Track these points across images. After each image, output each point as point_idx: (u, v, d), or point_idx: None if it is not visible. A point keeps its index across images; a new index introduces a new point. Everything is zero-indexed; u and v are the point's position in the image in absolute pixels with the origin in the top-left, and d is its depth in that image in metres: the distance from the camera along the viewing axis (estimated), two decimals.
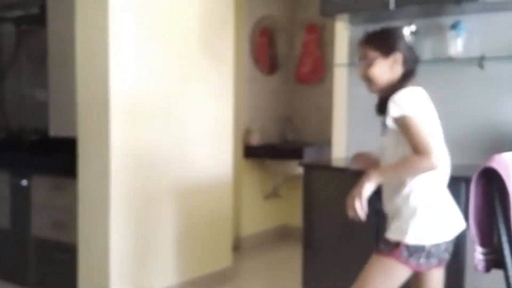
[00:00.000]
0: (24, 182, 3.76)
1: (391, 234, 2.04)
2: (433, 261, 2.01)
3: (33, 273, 3.75)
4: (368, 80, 2.13)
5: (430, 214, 2.00)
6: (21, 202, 3.78)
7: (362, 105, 3.30)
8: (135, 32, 3.24)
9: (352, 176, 2.23)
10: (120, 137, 3.19)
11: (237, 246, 4.65)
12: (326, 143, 4.05)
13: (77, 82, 3.27)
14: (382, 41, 2.11)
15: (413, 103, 1.96)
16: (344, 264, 2.15)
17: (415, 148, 1.91)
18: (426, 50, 3.16)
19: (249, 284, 3.95)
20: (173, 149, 3.54)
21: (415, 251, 1.97)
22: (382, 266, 2.01)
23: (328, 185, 2.04)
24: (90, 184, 3.25)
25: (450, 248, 2.06)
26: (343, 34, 3.52)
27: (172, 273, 3.57)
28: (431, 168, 1.91)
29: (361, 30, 3.17)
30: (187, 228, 3.66)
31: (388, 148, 2.09)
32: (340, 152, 3.52)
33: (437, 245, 2.00)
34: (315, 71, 5.22)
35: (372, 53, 2.10)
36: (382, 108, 2.07)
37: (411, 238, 1.97)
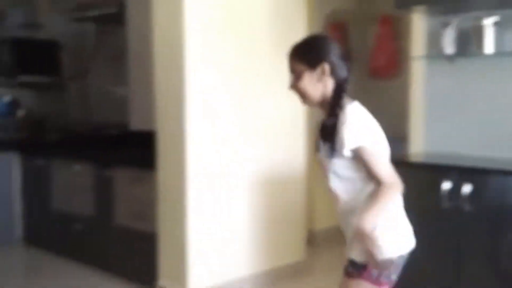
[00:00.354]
0: (107, 174, 3.93)
1: (358, 257, 1.96)
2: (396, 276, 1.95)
3: (115, 259, 3.91)
4: (300, 94, 2.00)
5: (389, 228, 1.92)
6: (104, 192, 3.95)
7: (441, 98, 3.24)
8: (209, 29, 3.32)
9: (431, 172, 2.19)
10: (196, 131, 3.28)
11: (311, 240, 4.65)
12: (399, 138, 3.98)
13: (155, 78, 3.39)
14: (308, 53, 1.96)
15: (365, 130, 1.89)
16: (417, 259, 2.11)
17: (378, 179, 1.87)
18: (508, 42, 3.04)
19: (322, 278, 3.94)
20: (247, 143, 3.60)
21: (384, 267, 1.90)
22: None
23: (407, 180, 2.00)
24: (168, 176, 3.37)
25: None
26: (420, 26, 3.43)
27: (246, 264, 3.63)
28: (400, 192, 1.92)
29: (439, 22, 3.11)
30: (261, 220, 3.71)
31: (341, 169, 1.96)
32: (418, 147, 3.44)
33: (402, 257, 1.94)
34: (390, 65, 5.12)
35: (300, 66, 1.95)
36: (327, 133, 1.95)
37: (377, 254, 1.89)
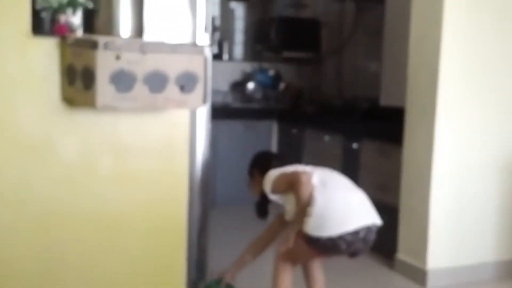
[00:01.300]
0: (355, 145, 4.12)
1: None
2: None
3: None
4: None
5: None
6: (351, 162, 4.15)
7: None
8: (469, 6, 3.22)
9: None
10: (447, 109, 3.25)
11: None
12: None
13: (409, 55, 3.42)
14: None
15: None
16: None
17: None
18: None
19: None
20: (502, 127, 3.43)
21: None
22: None
23: None
24: (414, 152, 3.41)
25: None
26: None
27: (491, 250, 3.50)
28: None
29: None
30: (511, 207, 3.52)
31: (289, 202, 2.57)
32: None
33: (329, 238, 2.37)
34: None
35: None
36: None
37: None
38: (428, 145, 3.27)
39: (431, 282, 3.30)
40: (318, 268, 2.69)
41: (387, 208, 3.68)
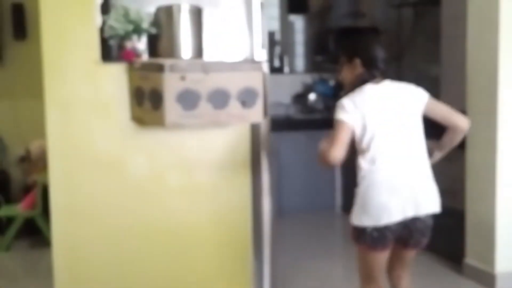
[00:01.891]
0: None
1: None
2: None
3: None
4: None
5: (356, 203, 2.30)
6: None
7: None
8: None
9: None
10: (508, 110, 3.21)
11: None
12: None
13: (468, 58, 3.41)
14: (345, 49, 2.46)
15: (344, 108, 2.26)
16: None
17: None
18: None
19: None
20: None
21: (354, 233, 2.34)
22: None
23: None
24: (478, 156, 3.37)
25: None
26: None
27: None
28: (330, 163, 2.19)
29: None
30: None
31: None
32: None
33: (374, 228, 2.23)
34: None
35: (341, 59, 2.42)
36: None
37: None
38: (492, 148, 3.23)
39: (500, 285, 3.24)
40: (404, 280, 2.50)
41: (454, 212, 3.64)
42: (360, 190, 2.26)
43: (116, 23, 2.43)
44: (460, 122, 2.37)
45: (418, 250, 2.42)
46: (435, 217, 3.91)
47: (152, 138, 2.64)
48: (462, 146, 3.47)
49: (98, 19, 2.52)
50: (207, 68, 2.34)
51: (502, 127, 3.20)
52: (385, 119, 2.24)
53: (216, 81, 2.35)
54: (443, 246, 3.82)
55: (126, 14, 2.43)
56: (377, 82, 2.31)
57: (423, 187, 2.31)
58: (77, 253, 2.62)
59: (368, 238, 2.22)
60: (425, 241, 2.36)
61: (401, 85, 2.38)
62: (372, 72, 2.31)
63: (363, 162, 2.24)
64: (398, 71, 5.32)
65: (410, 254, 2.42)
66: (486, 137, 3.27)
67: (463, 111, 3.45)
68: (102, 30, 2.52)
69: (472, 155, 3.41)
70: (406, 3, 4.74)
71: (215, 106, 2.37)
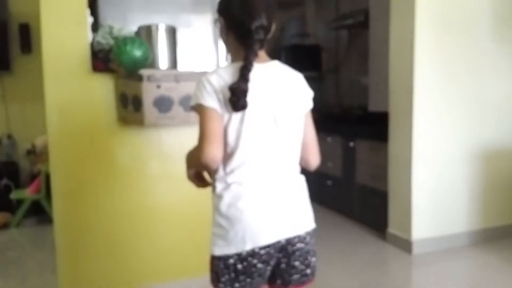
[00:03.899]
0: (351, 144, 4.11)
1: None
2: None
3: (356, 209, 4.09)
4: None
5: (213, 222, 1.33)
6: (349, 158, 4.15)
7: None
8: (435, 31, 3.20)
9: None
10: (422, 113, 3.23)
11: None
12: None
13: (390, 70, 3.42)
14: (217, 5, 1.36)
15: (205, 88, 1.24)
16: None
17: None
18: None
19: None
20: (467, 119, 3.38)
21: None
22: None
23: None
24: (397, 147, 3.39)
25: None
26: None
27: (464, 222, 3.46)
28: (204, 165, 1.22)
29: None
30: (478, 186, 3.47)
31: None
32: None
33: (224, 258, 1.28)
34: None
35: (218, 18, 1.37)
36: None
37: None
38: (408, 141, 3.26)
39: (415, 250, 3.27)
40: None
41: (379, 192, 3.69)
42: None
43: (103, 39, 2.34)
44: (312, 160, 1.55)
45: None
46: (366, 196, 3.96)
47: (135, 134, 2.58)
48: (385, 139, 3.50)
49: (89, 36, 2.43)
50: (179, 78, 2.27)
51: (416, 124, 3.22)
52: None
53: (186, 88, 2.29)
54: (370, 219, 3.87)
55: (110, 32, 2.34)
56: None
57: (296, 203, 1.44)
58: (74, 229, 2.57)
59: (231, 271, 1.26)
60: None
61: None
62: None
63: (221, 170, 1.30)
64: (336, 81, 5.36)
65: None
66: (404, 133, 3.29)
67: (387, 112, 3.49)
68: (92, 45, 2.43)
69: (393, 147, 3.44)
70: (342, 26, 4.75)
71: (185, 109, 2.31)
